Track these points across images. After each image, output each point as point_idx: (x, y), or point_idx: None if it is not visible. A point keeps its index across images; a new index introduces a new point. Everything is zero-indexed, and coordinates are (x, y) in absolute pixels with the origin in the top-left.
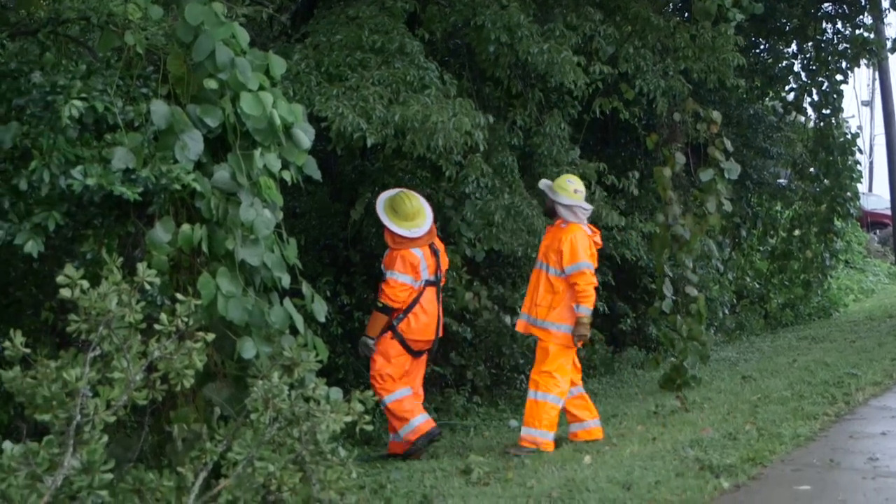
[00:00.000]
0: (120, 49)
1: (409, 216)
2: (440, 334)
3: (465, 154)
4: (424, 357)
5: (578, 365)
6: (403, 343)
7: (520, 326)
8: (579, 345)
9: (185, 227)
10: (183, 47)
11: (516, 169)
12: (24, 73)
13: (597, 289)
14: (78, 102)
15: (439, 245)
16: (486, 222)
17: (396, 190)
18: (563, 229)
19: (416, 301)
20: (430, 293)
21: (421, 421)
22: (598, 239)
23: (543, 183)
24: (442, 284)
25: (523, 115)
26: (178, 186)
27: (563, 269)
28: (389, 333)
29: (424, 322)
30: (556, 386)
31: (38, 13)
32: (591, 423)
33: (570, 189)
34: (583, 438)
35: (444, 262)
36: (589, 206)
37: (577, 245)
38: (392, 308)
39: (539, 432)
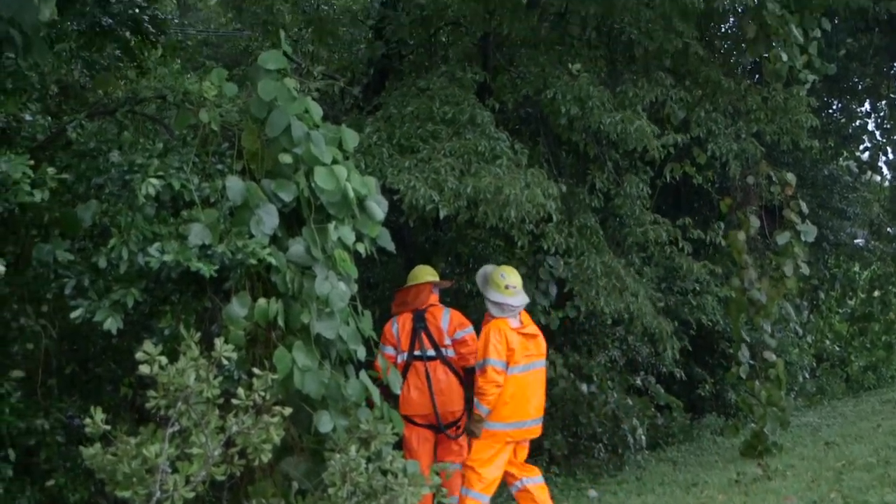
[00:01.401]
0: (195, 126)
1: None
2: (456, 408)
3: (537, 223)
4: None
5: (518, 460)
6: (402, 417)
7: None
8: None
9: (261, 301)
10: (257, 123)
11: (600, 230)
12: (103, 153)
13: (674, 357)
14: (155, 180)
15: (434, 322)
16: (583, 280)
17: None
18: (487, 323)
19: (403, 377)
20: (419, 368)
21: None
22: (529, 329)
23: (480, 274)
24: (456, 360)
25: (601, 178)
26: (253, 261)
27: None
28: None
29: (410, 397)
30: (479, 481)
31: (116, 93)
32: None
33: (503, 284)
34: None
35: (437, 334)
36: (520, 303)
37: (487, 342)
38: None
39: None
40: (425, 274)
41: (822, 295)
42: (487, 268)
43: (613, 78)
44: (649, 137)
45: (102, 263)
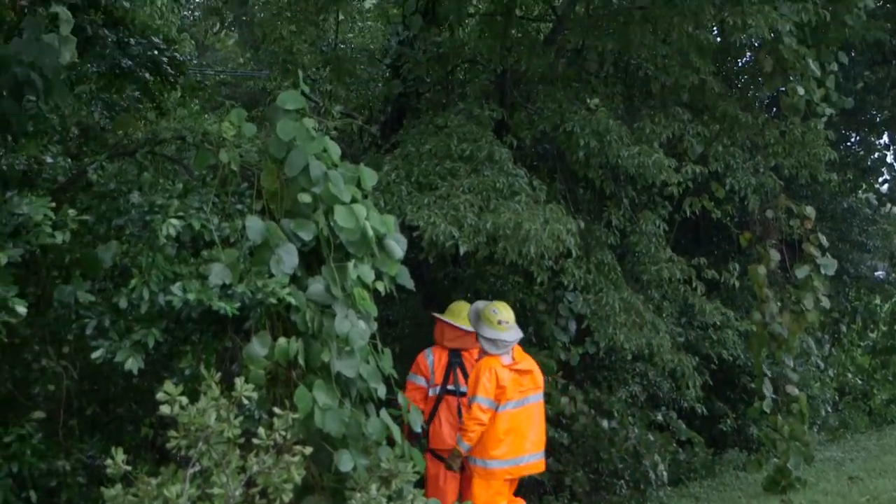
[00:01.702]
0: (215, 167)
1: (449, 311)
2: None
3: (556, 259)
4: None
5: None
6: (431, 451)
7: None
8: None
9: (282, 340)
10: (276, 163)
11: (618, 267)
12: (123, 194)
13: (696, 393)
14: (175, 221)
15: (470, 359)
16: (602, 316)
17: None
18: (480, 359)
19: (434, 410)
20: (452, 402)
21: None
22: (522, 365)
23: (472, 310)
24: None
25: (617, 215)
26: (273, 300)
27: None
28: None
29: (441, 431)
30: None
31: (136, 134)
32: None
33: (495, 320)
34: None
35: (472, 375)
36: (513, 339)
37: (478, 378)
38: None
39: None
40: (467, 310)
41: (843, 328)
42: (479, 304)
43: (631, 114)
44: (668, 170)
45: (123, 304)
